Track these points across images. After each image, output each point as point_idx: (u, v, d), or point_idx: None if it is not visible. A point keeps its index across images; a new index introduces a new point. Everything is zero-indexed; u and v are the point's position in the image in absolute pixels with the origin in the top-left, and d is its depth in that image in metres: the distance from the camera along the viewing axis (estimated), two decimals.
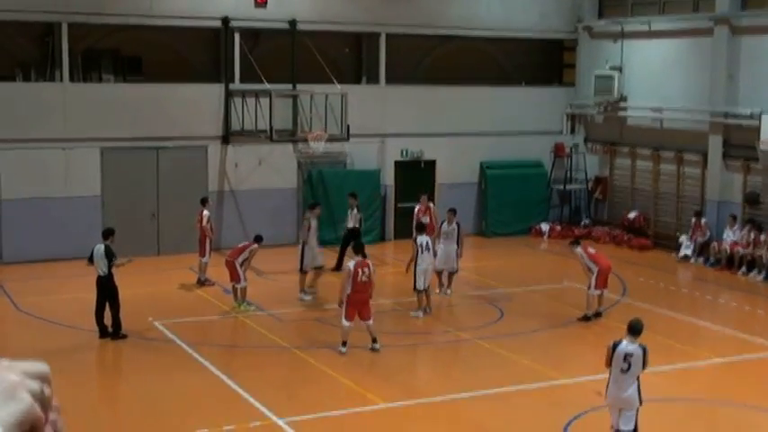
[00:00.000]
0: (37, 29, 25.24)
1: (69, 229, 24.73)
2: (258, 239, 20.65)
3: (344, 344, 17.04)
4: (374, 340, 17.14)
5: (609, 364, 11.94)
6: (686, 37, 27.50)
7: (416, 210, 23.57)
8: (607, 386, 12.11)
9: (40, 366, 1.63)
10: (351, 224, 23.89)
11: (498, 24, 29.97)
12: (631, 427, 11.97)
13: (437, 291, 21.22)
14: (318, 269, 21.62)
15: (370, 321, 17.08)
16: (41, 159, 24.71)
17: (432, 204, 24.39)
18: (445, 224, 21.66)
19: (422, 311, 19.87)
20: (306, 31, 27.05)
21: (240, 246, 20.55)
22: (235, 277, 20.20)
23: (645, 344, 12.01)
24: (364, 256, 17.31)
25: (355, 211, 23.88)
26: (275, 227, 26.98)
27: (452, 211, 21.82)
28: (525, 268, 25.54)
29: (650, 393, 13.00)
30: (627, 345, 11.77)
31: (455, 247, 21.36)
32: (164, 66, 26.97)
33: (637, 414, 12.00)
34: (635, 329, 11.93)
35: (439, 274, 21.34)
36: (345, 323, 17.05)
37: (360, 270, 16.88)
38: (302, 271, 21.27)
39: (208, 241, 22.41)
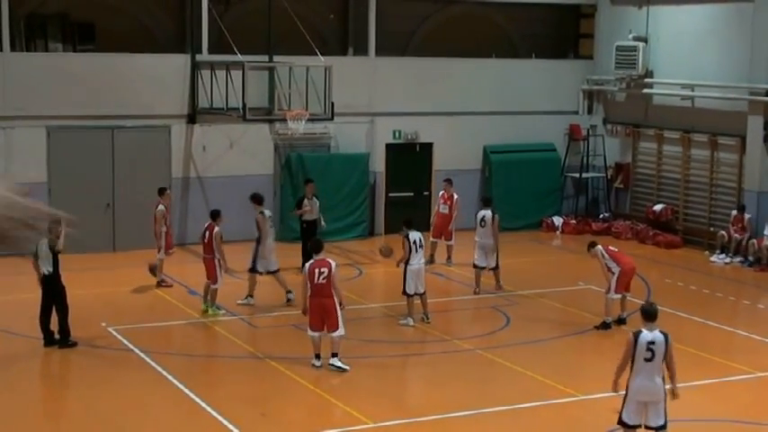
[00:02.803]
0: None
1: None
2: (214, 216, 20.42)
3: (317, 356, 16.96)
4: (334, 354, 16.94)
5: (629, 357, 12.58)
6: (722, 2, 27.44)
7: (439, 196, 25.45)
8: (628, 381, 12.65)
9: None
10: (310, 216, 24.04)
11: None
12: (663, 421, 12.50)
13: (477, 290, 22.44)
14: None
15: (336, 333, 16.77)
16: None
17: (455, 194, 24.77)
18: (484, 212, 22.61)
19: (411, 319, 19.78)
20: None
21: (206, 238, 20.23)
22: (212, 276, 20.08)
23: (666, 331, 12.66)
24: (317, 253, 17.07)
25: (315, 200, 24.08)
26: (249, 219, 26.85)
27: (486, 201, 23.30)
28: (535, 268, 25.49)
29: (679, 412, 12.97)
30: (647, 333, 12.51)
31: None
32: (120, 33, 26.84)
33: (666, 408, 12.53)
34: (651, 314, 12.68)
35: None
36: (310, 333, 16.96)
37: (316, 270, 16.69)
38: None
39: (164, 237, 22.23)
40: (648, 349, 12.42)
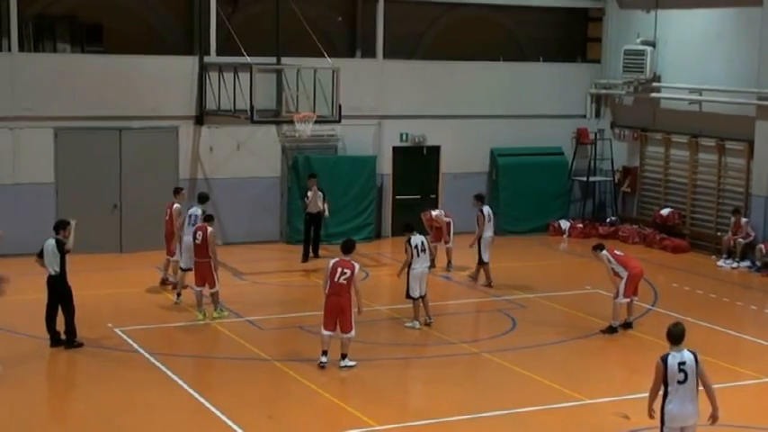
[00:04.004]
0: None
1: (17, 222, 24.56)
2: (209, 219, 20.32)
3: (324, 353, 17.03)
4: (343, 356, 17.01)
5: (661, 382, 11.99)
6: (731, 6, 27.38)
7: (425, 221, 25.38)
8: (663, 407, 12.05)
9: None
10: (313, 208, 25.36)
11: None
12: None
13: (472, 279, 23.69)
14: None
15: (349, 335, 16.91)
16: None
17: (433, 212, 24.77)
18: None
19: (418, 322, 19.74)
20: None
21: (199, 241, 19.93)
22: (209, 280, 20.00)
23: (694, 350, 12.12)
24: (346, 253, 17.09)
25: (318, 192, 25.42)
26: (256, 221, 26.91)
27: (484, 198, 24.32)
28: (542, 271, 25.44)
29: None
30: (675, 354, 11.97)
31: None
32: (128, 35, 26.83)
33: None
34: (675, 336, 12.07)
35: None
36: (322, 332, 17.02)
37: (339, 269, 16.75)
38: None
39: (177, 238, 22.19)
40: (681, 370, 11.91)
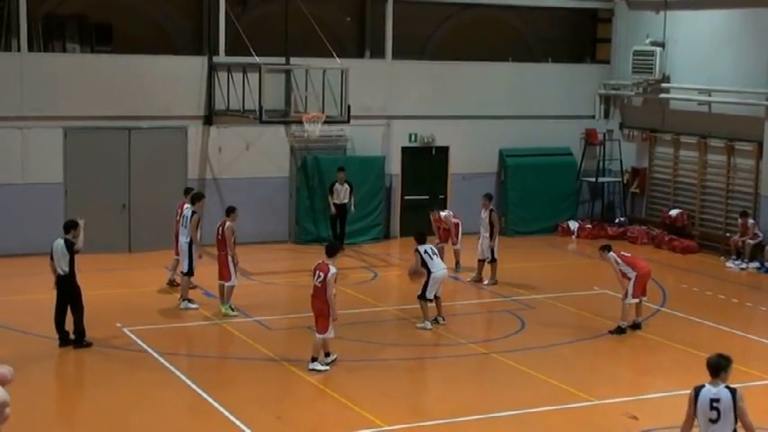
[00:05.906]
0: None
1: (26, 221, 24.62)
2: (229, 212, 20.29)
3: (327, 355, 17.07)
4: (312, 359, 16.90)
5: (692, 417, 10.77)
6: (740, 7, 27.34)
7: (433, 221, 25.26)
8: None
9: None
10: (340, 200, 26.32)
11: None
12: None
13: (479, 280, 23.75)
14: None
15: (323, 336, 16.74)
16: None
17: (441, 213, 24.63)
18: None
19: (429, 322, 19.71)
20: None
21: (220, 236, 20.08)
22: (226, 275, 20.04)
23: (735, 387, 10.81)
24: (327, 256, 16.98)
25: (346, 186, 26.25)
26: (265, 221, 26.89)
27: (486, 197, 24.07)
28: (550, 272, 25.40)
29: None
30: (710, 388, 10.66)
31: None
32: (137, 35, 26.86)
33: None
34: (712, 367, 10.78)
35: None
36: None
37: (316, 272, 16.79)
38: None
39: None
40: (713, 408, 10.49)
